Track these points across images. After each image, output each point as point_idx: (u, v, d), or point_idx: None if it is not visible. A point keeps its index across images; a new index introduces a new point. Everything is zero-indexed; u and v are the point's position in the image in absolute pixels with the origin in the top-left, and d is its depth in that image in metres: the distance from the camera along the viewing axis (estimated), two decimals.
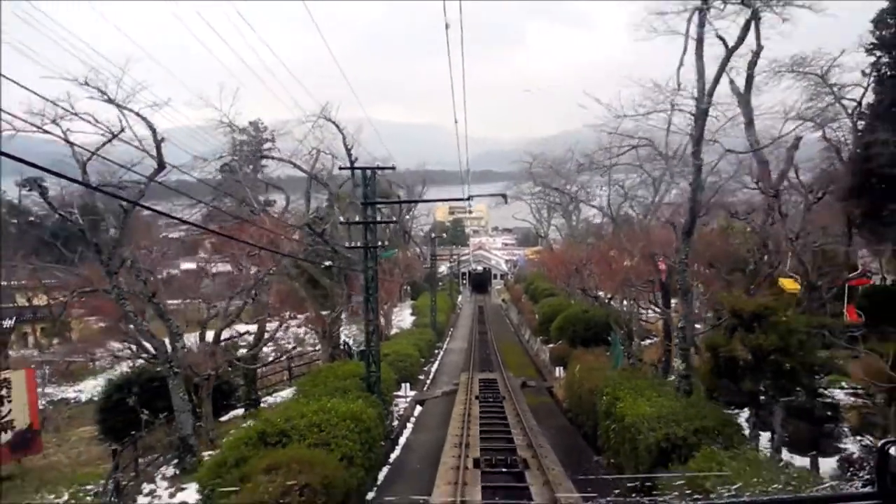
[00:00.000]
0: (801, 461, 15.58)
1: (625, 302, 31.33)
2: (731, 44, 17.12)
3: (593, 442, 20.25)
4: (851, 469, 15.66)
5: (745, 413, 18.89)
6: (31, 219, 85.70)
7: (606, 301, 33.51)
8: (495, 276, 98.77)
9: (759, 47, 20.70)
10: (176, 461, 20.02)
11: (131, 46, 29.75)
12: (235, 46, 23.22)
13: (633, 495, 12.24)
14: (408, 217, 79.77)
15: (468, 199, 26.31)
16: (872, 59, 37.57)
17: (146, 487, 19.07)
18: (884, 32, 36.07)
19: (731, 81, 20.85)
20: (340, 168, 28.84)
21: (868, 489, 1.98)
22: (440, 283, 73.33)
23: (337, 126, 34.21)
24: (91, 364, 38.04)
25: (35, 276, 44.32)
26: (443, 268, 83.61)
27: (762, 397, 15.02)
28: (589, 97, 21.04)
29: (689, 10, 16.41)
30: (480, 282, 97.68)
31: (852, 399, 16.19)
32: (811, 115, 40.62)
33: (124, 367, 30.10)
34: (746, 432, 15.72)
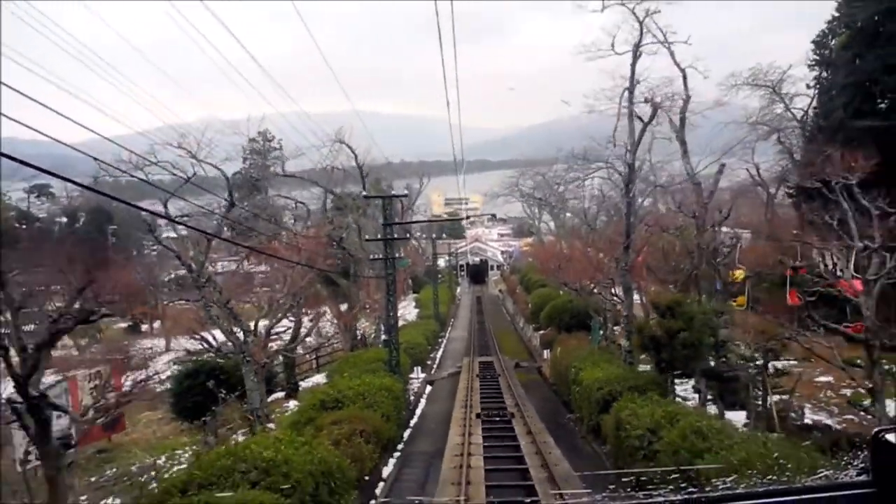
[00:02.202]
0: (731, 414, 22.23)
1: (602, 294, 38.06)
2: (645, 120, 23.70)
3: (568, 406, 26.88)
4: (756, 414, 22.28)
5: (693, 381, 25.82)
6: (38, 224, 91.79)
7: (590, 292, 40.11)
8: (492, 268, 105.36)
9: (687, 96, 27.20)
10: (247, 430, 26.55)
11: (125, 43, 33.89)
12: (222, 43, 24.54)
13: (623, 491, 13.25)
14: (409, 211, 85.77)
15: (466, 218, 32.85)
16: (814, 73, 44.31)
17: None
18: (823, 51, 42.58)
19: (669, 120, 27.15)
20: (365, 197, 35.31)
21: (862, 478, 2.00)
22: (440, 276, 79.68)
23: (350, 148, 40.84)
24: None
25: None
26: (441, 261, 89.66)
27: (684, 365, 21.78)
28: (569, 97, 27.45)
29: (621, 89, 22.98)
30: (478, 273, 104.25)
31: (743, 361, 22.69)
32: (766, 121, 47.56)
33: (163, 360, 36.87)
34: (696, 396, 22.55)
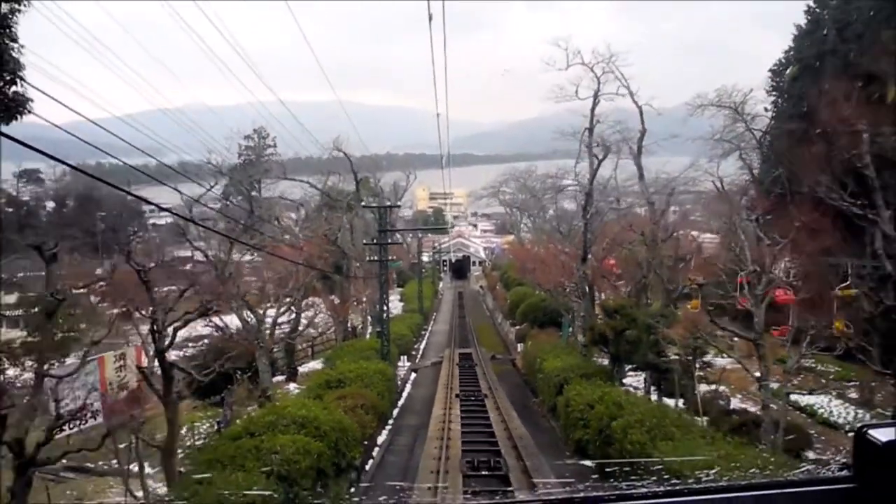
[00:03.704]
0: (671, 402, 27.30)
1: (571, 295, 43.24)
2: (600, 157, 28.87)
3: (535, 393, 31.97)
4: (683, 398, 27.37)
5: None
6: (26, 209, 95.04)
7: (562, 293, 45.23)
8: (474, 264, 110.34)
9: (643, 130, 32.29)
10: (257, 406, 31.36)
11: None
12: (207, 30, 24.73)
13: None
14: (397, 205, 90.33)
15: (450, 226, 37.81)
16: (772, 98, 49.58)
17: None
18: (778, 80, 47.84)
19: (629, 148, 32.37)
20: (363, 206, 40.12)
21: (844, 473, 2.03)
22: (424, 271, 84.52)
23: (346, 156, 45.70)
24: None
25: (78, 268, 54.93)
26: (425, 256, 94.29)
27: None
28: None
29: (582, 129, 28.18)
30: (460, 269, 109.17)
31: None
32: (729, 139, 52.86)
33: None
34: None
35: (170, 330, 14.92)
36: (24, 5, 13.99)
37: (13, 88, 13.87)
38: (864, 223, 14.34)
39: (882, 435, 1.95)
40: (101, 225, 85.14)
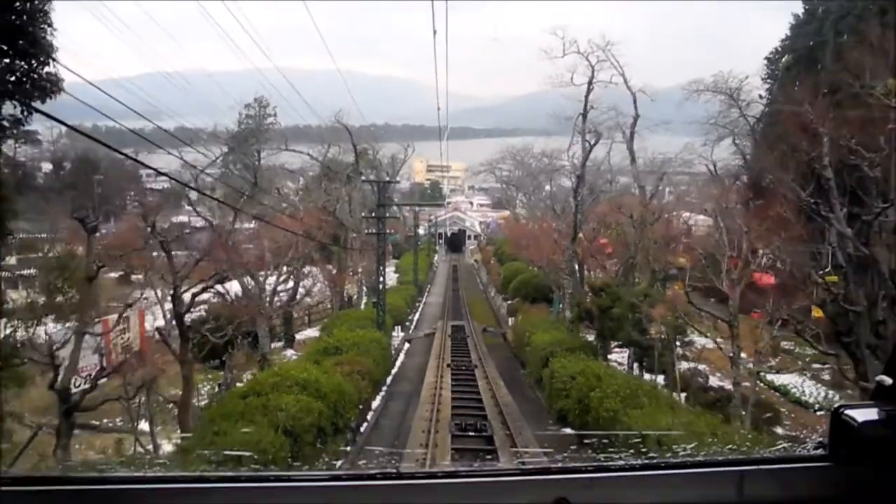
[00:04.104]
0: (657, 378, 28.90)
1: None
2: (592, 143, 30.21)
3: (524, 365, 33.56)
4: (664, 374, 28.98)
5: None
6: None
7: (554, 269, 46.72)
8: (469, 237, 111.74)
9: (636, 115, 33.57)
10: (257, 370, 32.88)
11: None
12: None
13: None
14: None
15: (447, 203, 39.17)
16: (767, 86, 50.74)
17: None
18: (773, 69, 48.99)
19: (623, 133, 33.72)
20: (362, 181, 41.35)
21: (820, 451, 2.06)
22: (419, 244, 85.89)
23: (347, 129, 46.82)
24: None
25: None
26: (420, 229, 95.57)
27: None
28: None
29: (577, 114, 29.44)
30: (455, 242, 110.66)
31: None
32: (724, 124, 54.11)
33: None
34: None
35: (187, 295, 16.33)
36: None
37: (46, 69, 15.07)
38: (820, 219, 15.67)
39: (858, 415, 2.00)
40: (98, 188, 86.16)
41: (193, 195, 32.64)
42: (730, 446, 10.85)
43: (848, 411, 2.05)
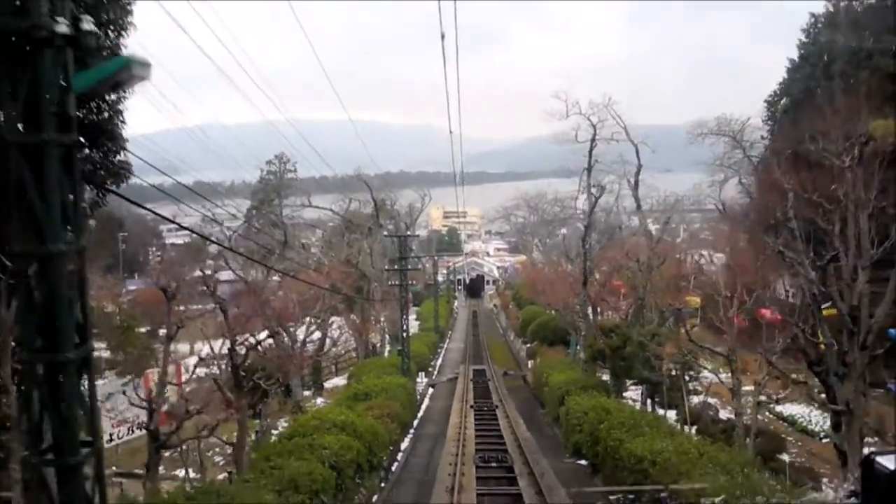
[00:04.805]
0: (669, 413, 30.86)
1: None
2: (597, 196, 32.91)
3: (543, 405, 35.64)
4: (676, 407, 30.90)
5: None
6: None
7: (571, 312, 48.91)
8: (488, 283, 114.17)
9: (639, 165, 36.18)
10: (289, 417, 35.17)
11: None
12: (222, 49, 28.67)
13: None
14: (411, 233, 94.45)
15: (465, 254, 41.76)
16: (768, 127, 53.23)
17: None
18: (773, 111, 51.52)
19: (627, 181, 36.31)
20: (384, 235, 44.08)
21: (853, 500, 3.56)
22: (439, 291, 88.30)
23: (367, 185, 49.83)
24: None
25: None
26: (440, 276, 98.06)
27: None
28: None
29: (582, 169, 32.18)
30: (474, 288, 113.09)
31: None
32: (729, 165, 56.58)
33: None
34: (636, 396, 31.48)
35: (241, 349, 18.85)
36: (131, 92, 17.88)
37: (118, 157, 17.77)
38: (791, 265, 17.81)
39: (890, 462, 1.90)
40: (122, 245, 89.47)
41: (225, 250, 34.82)
42: (760, 497, 11.05)
43: (880, 458, 1.98)
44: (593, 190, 33.88)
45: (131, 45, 12.83)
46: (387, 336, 55.87)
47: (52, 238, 6.69)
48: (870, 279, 15.20)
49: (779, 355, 24.78)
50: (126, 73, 6.44)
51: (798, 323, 16.81)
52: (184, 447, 21.24)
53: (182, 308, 27.91)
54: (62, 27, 6.33)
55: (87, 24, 6.45)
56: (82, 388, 7.18)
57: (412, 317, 77.92)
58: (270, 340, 27.04)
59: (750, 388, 27.83)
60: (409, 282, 42.63)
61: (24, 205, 6.69)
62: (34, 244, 6.73)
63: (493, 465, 20.29)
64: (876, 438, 22.61)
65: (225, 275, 50.04)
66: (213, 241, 42.24)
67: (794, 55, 50.84)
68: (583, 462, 22.73)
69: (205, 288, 21.87)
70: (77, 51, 6.76)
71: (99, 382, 20.68)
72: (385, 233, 46.52)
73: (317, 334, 40.77)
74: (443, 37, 15.71)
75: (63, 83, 6.68)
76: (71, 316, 6.85)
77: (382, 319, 53.05)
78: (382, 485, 22.44)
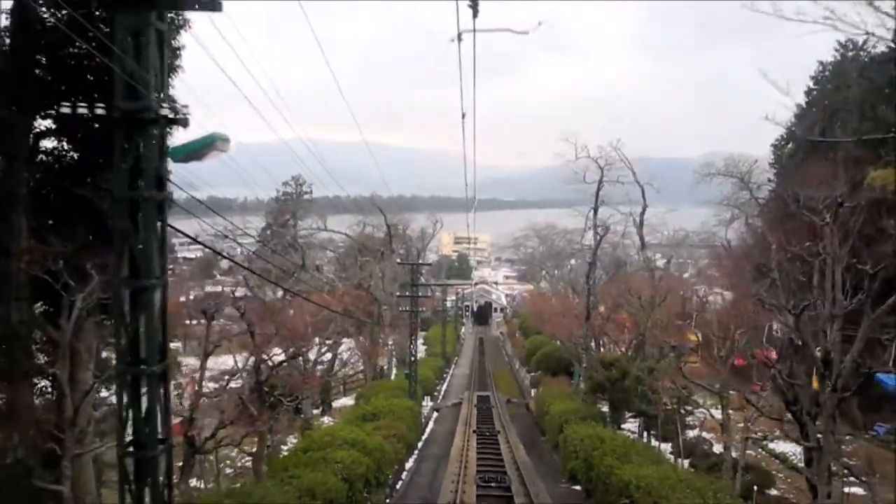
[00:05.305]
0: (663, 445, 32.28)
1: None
2: (601, 235, 34.67)
3: (544, 433, 37.08)
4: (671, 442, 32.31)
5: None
6: None
7: (578, 346, 50.35)
8: (495, 310, 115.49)
9: (645, 205, 37.93)
10: (299, 434, 36.70)
11: None
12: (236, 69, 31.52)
13: None
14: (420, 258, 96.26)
15: (476, 285, 43.51)
16: (774, 171, 54.79)
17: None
18: (779, 154, 53.13)
19: (633, 221, 38.07)
20: (398, 263, 45.90)
21: None
22: (447, 318, 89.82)
23: (382, 211, 51.72)
24: None
25: None
26: (448, 301, 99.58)
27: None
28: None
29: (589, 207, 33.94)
30: (482, 315, 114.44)
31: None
32: (736, 205, 58.13)
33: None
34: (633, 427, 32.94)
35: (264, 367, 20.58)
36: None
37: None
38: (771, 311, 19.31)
39: None
40: None
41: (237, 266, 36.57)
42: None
43: None
44: (599, 229, 35.70)
45: None
46: (394, 359, 57.49)
47: (146, 274, 8.44)
48: (841, 327, 16.73)
49: (768, 394, 26.35)
50: (212, 147, 8.23)
51: (774, 365, 18.35)
52: (201, 457, 22.92)
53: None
54: (165, 110, 8.13)
55: (182, 109, 8.26)
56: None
57: (419, 341, 79.77)
58: (290, 360, 28.68)
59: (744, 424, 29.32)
60: (420, 309, 44.24)
61: (124, 246, 8.48)
62: (130, 279, 8.49)
63: (493, 484, 21.88)
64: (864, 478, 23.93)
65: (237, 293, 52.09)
66: (230, 259, 43.96)
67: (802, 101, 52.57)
68: (577, 487, 24.21)
69: (233, 307, 23.35)
70: (173, 127, 8.58)
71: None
72: (398, 260, 48.15)
73: (328, 355, 42.35)
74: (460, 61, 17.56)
75: (161, 152, 8.49)
76: (156, 336, 8.59)
77: (391, 343, 54.64)
78: (388, 501, 23.99)
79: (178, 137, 8.91)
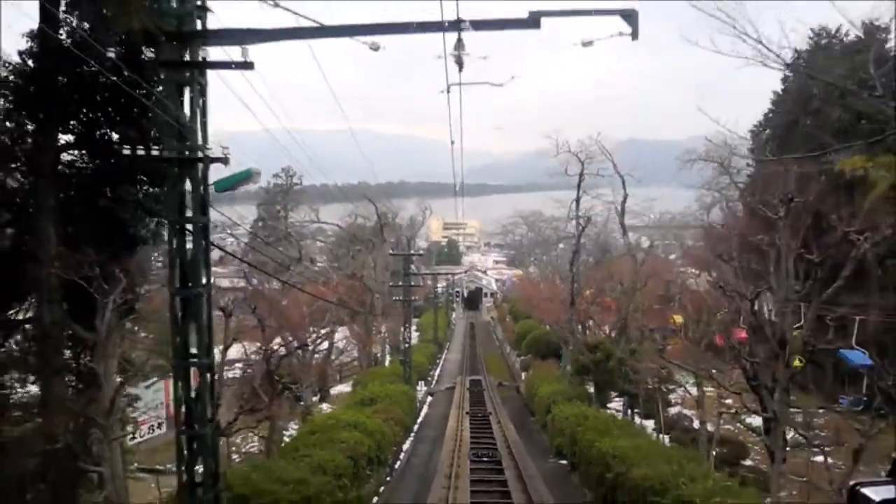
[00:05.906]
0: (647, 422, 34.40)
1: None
2: (583, 226, 36.65)
3: (533, 414, 39.21)
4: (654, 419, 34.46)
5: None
6: None
7: (566, 329, 52.38)
8: (486, 295, 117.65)
9: (625, 195, 39.91)
10: (300, 420, 38.64)
11: None
12: None
13: None
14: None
15: (465, 271, 45.51)
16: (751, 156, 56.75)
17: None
18: (757, 141, 55.15)
19: (615, 208, 40.05)
20: (390, 254, 47.75)
21: None
22: (438, 304, 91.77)
23: (372, 202, 53.52)
24: None
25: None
26: (438, 287, 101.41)
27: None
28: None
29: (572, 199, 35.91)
30: (473, 300, 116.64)
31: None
32: (717, 189, 60.16)
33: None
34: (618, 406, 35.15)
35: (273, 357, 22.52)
36: None
37: None
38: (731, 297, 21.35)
39: (875, 493, 2.02)
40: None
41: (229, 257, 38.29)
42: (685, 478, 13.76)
43: (865, 489, 2.12)
44: (581, 220, 37.62)
45: None
46: (388, 346, 59.45)
47: (194, 282, 10.32)
48: (793, 311, 18.78)
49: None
50: (248, 180, 10.09)
51: (736, 345, 20.43)
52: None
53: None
54: (210, 151, 9.98)
55: (224, 150, 10.11)
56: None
57: (412, 328, 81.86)
58: (293, 350, 30.57)
59: (728, 401, 31.40)
60: (413, 297, 46.20)
61: (175, 261, 10.35)
62: (180, 288, 10.36)
63: (485, 459, 24.06)
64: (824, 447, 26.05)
65: (224, 282, 53.63)
66: (224, 251, 45.60)
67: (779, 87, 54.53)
68: (563, 462, 26.34)
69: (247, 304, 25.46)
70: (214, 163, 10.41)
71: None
72: (390, 250, 50.04)
73: (324, 344, 44.26)
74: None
75: (204, 184, 10.32)
76: (204, 335, 10.48)
77: (384, 330, 56.60)
78: (388, 479, 26.05)
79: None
